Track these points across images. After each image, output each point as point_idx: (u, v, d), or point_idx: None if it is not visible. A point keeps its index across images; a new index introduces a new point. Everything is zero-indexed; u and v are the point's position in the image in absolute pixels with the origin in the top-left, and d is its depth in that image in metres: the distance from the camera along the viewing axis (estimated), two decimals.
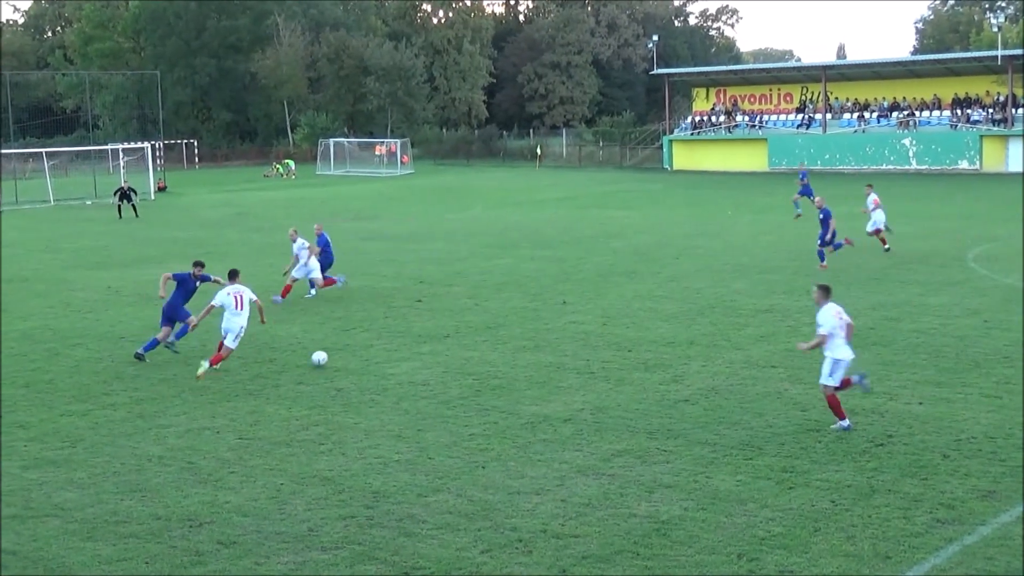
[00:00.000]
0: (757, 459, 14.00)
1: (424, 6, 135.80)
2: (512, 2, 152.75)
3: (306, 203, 60.83)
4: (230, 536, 11.96)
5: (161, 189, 74.48)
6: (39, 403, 18.00)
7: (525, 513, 12.40)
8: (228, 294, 19.92)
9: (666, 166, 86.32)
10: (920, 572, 10.64)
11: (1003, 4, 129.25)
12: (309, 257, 27.29)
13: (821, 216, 30.70)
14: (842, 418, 15.23)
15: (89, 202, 65.68)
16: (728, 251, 34.33)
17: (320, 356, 20.22)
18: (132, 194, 56.11)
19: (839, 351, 15.30)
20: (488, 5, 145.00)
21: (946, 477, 13.19)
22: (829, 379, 15.25)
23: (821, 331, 15.40)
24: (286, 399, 17.83)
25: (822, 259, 30.19)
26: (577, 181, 75.10)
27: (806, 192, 43.85)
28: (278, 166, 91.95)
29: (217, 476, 14.01)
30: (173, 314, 21.21)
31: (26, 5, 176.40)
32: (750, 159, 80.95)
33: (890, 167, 74.79)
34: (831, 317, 15.43)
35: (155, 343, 21.02)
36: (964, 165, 72.59)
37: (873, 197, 33.98)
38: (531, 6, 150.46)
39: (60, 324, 25.17)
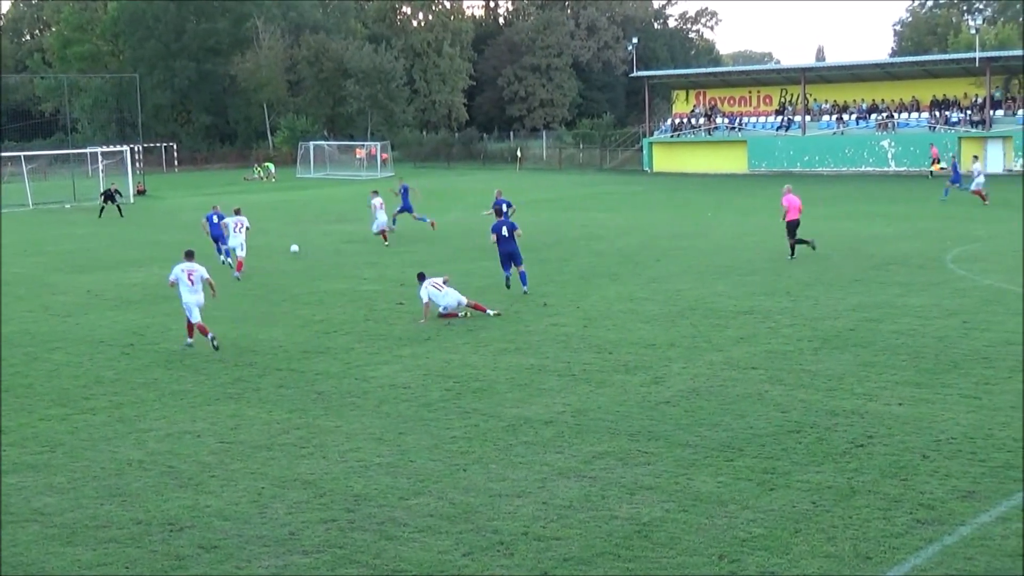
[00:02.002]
0: (738, 460, 14.03)
1: (404, 9, 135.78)
2: (492, 5, 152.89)
3: (287, 206, 60.72)
4: (211, 540, 11.93)
5: (140, 192, 74.30)
6: (18, 407, 17.91)
7: (506, 515, 12.39)
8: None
9: (646, 168, 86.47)
10: (900, 572, 10.68)
11: (980, 6, 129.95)
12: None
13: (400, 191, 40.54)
14: (190, 336, 22.09)
15: (68, 205, 65.44)
16: (709, 253, 34.41)
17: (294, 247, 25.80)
18: (117, 195, 57.51)
19: (184, 297, 21.72)
20: (468, 8, 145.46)
21: (926, 478, 13.24)
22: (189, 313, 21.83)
23: (170, 279, 21.98)
24: (267, 403, 17.80)
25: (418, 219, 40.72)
26: (558, 183, 75.18)
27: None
28: (259, 168, 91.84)
29: (198, 480, 13.96)
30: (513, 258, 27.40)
31: (4, 8, 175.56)
32: (730, 161, 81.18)
33: (869, 169, 75.11)
34: (178, 271, 21.76)
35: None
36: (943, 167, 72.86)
37: (378, 200, 40.19)
38: (511, 9, 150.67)
39: (39, 328, 25.07)
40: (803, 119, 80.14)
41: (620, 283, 28.92)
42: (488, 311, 24.71)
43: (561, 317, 24.32)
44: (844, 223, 42.24)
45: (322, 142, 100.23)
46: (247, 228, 33.60)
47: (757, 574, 10.71)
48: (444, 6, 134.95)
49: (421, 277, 24.98)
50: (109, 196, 57.83)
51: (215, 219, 35.63)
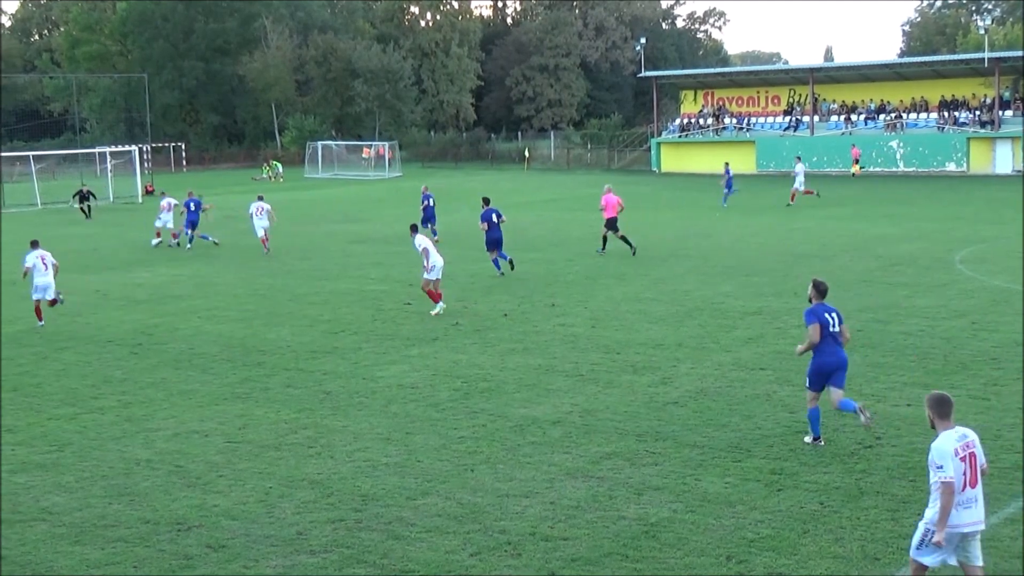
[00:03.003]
0: (746, 461, 14.02)
1: (412, 8, 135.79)
2: (500, 5, 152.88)
3: (295, 206, 60.70)
4: (219, 540, 11.95)
5: (149, 192, 74.37)
6: (27, 407, 17.96)
7: (514, 516, 12.40)
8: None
9: (654, 168, 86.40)
10: (908, 574, 10.66)
11: (989, 6, 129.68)
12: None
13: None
14: (40, 319, 25.24)
15: (76, 205, 65.48)
16: (717, 253, 34.38)
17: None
18: (91, 197, 58.08)
19: (37, 279, 25.01)
20: (476, 8, 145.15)
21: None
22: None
23: (25, 265, 25.15)
24: (275, 402, 17.81)
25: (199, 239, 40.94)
26: (565, 184, 75.15)
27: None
28: (266, 168, 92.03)
29: (206, 480, 13.98)
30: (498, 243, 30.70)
31: (13, 7, 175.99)
32: (738, 161, 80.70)
33: (878, 169, 74.93)
34: (32, 258, 24.92)
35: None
36: (951, 167, 72.77)
37: (167, 201, 43.05)
38: (519, 9, 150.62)
39: (48, 327, 25.11)
40: (811, 119, 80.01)
41: (627, 283, 28.90)
42: (439, 306, 25.14)
43: (569, 317, 24.31)
44: (852, 224, 42.18)
45: (330, 142, 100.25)
46: (269, 212, 38.97)
47: (764, 575, 10.71)
48: (452, 6, 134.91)
49: (414, 228, 26.12)
50: (83, 197, 58.25)
51: (192, 206, 40.69)
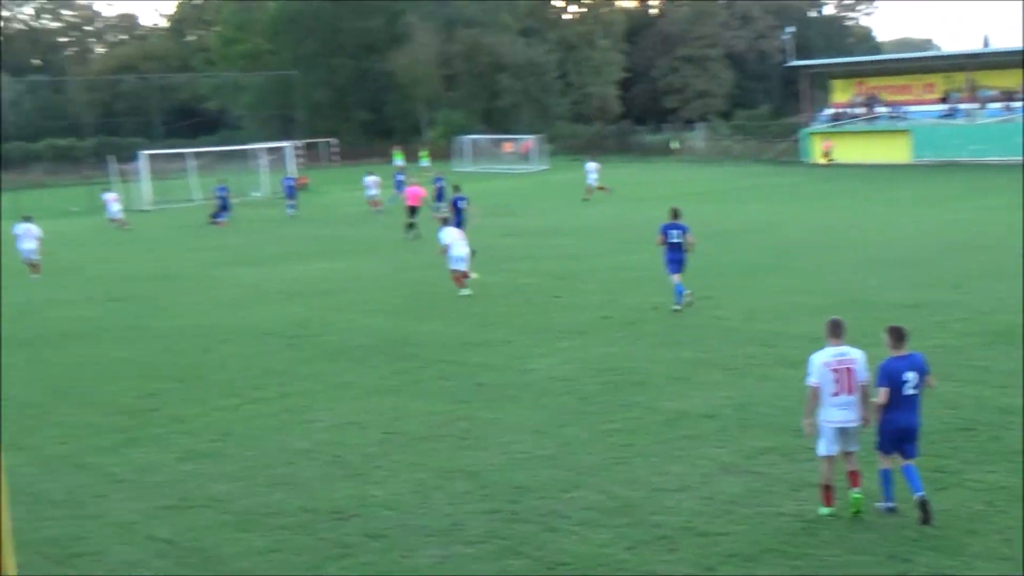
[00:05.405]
0: None
1: (555, 2, 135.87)
2: None
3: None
4: (376, 529, 12.16)
5: (303, 186, 75.96)
6: (191, 398, 18.53)
7: (668, 510, 12.34)
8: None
9: (805, 159, 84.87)
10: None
11: None
12: None
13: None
14: None
15: (235, 200, 67.30)
16: (872, 245, 33.63)
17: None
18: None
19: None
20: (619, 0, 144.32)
21: None
22: None
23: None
24: (428, 394, 18.04)
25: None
26: (714, 175, 74.37)
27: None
28: (398, 152, 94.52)
29: (363, 470, 14.24)
30: None
31: (170, 9, 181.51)
32: (892, 151, 78.88)
33: None
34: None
35: None
36: None
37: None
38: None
39: (209, 320, 25.86)
40: (970, 107, 77.53)
41: (781, 275, 28.45)
42: (466, 282, 27.70)
43: (722, 310, 24.04)
44: (1014, 213, 40.81)
45: (477, 136, 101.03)
46: (377, 183, 54.70)
47: (928, 574, 10.45)
48: None
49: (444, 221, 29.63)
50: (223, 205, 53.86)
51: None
